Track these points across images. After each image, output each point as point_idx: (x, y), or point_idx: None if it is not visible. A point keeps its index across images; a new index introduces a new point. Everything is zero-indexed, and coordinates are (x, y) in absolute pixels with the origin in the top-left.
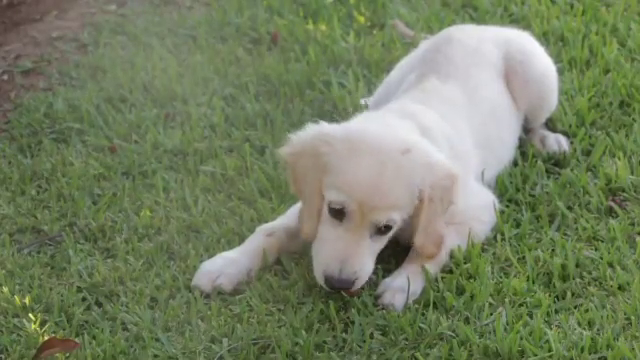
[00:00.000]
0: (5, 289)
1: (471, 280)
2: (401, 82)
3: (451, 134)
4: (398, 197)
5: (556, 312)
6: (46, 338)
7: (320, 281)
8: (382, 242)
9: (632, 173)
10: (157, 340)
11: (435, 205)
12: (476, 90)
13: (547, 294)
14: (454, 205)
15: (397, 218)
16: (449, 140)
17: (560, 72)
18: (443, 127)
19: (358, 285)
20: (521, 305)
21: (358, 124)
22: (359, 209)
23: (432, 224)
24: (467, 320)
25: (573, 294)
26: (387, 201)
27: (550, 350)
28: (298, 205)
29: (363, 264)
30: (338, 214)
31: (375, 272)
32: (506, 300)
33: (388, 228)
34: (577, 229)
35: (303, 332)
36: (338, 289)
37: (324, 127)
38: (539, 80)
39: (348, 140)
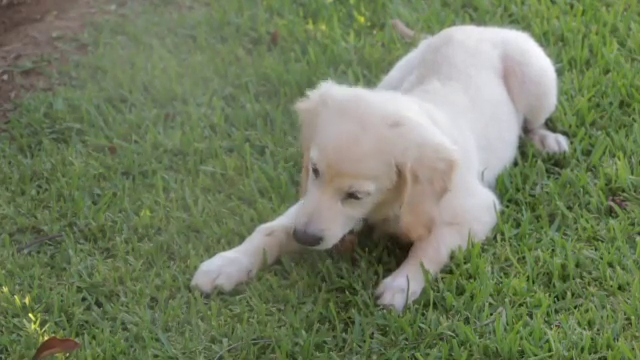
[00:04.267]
0: (5, 289)
1: (471, 280)
2: (401, 82)
3: (455, 134)
4: (369, 167)
5: (556, 312)
6: (46, 338)
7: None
8: (358, 209)
9: (632, 173)
10: (157, 340)
11: (422, 185)
12: (476, 91)
13: (547, 294)
14: (449, 192)
15: (368, 188)
16: (454, 140)
17: (560, 72)
18: (450, 126)
19: (323, 245)
20: (521, 305)
21: (360, 91)
22: (328, 171)
23: (420, 205)
24: (467, 320)
25: (573, 294)
26: (355, 169)
27: (550, 350)
28: (298, 205)
29: (330, 224)
30: (316, 172)
31: (375, 272)
32: (506, 300)
33: (363, 194)
34: (577, 229)
35: (303, 332)
36: (304, 243)
37: (330, 87)
38: (537, 80)
39: (342, 103)
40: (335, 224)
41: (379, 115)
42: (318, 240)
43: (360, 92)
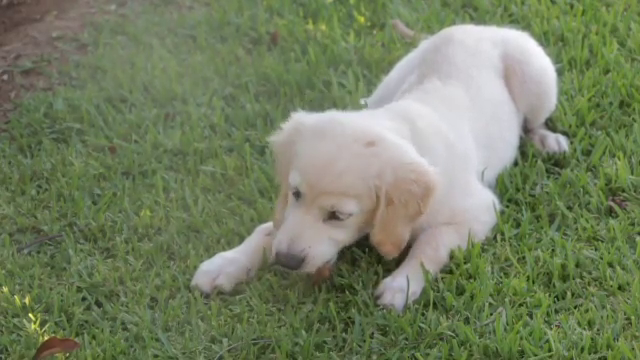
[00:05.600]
0: (5, 289)
1: (471, 280)
2: (401, 82)
3: (449, 134)
4: (349, 186)
5: (556, 312)
6: (46, 338)
7: (274, 259)
8: (343, 230)
9: (632, 173)
10: (157, 340)
11: (395, 207)
12: (477, 90)
13: (547, 294)
14: (423, 215)
15: (351, 207)
16: (446, 141)
17: (560, 72)
18: (441, 128)
19: (307, 267)
20: (521, 305)
21: (333, 113)
22: (310, 192)
23: (392, 226)
24: (467, 320)
25: (573, 294)
26: (335, 187)
27: (550, 350)
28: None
29: (313, 244)
30: (297, 196)
31: (375, 272)
32: (506, 300)
33: (345, 215)
34: (577, 229)
35: (303, 332)
36: (286, 266)
37: (300, 116)
38: (537, 80)
39: (315, 127)
40: (318, 244)
41: (353, 134)
42: (300, 261)
43: (333, 114)
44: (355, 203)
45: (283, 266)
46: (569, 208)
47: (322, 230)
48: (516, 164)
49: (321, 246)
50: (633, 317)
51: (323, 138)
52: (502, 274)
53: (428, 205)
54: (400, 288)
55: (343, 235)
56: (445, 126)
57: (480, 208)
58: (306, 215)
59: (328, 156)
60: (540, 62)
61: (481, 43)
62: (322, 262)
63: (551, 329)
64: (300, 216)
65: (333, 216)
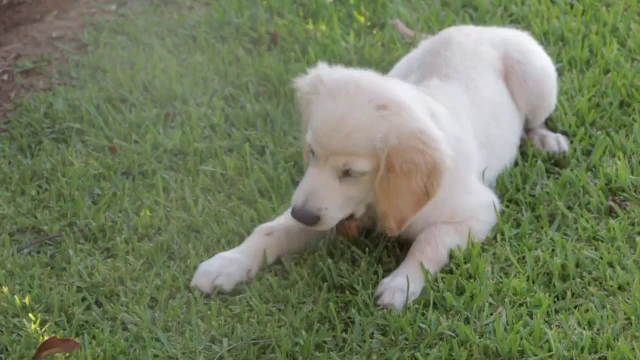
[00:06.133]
0: (5, 289)
1: (471, 280)
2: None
3: (457, 131)
4: (358, 145)
5: (556, 312)
6: (46, 338)
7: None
8: (356, 188)
9: (632, 173)
10: (157, 340)
11: (397, 175)
12: (476, 91)
13: (547, 294)
14: (430, 200)
15: (362, 166)
16: (455, 137)
17: (560, 72)
18: (452, 122)
19: (323, 225)
20: (521, 305)
21: (353, 72)
22: (322, 151)
23: (394, 197)
24: (467, 320)
25: (573, 294)
26: (343, 146)
27: (550, 350)
28: None
29: (329, 202)
30: (312, 154)
31: (375, 272)
32: (506, 300)
33: (358, 173)
34: (577, 229)
35: (303, 332)
36: (302, 221)
37: (322, 71)
38: (538, 79)
39: (332, 85)
40: (333, 202)
41: (366, 95)
42: (316, 218)
43: (352, 74)
44: (367, 161)
45: (299, 221)
46: (569, 208)
47: (337, 189)
48: (516, 164)
49: (336, 205)
50: (633, 317)
51: (337, 98)
52: (502, 274)
53: (436, 188)
54: (400, 287)
55: (358, 192)
56: (454, 122)
57: (481, 207)
58: (321, 174)
59: (338, 116)
60: (540, 62)
61: (480, 45)
62: (336, 221)
63: (551, 329)
64: (316, 174)
65: (347, 174)
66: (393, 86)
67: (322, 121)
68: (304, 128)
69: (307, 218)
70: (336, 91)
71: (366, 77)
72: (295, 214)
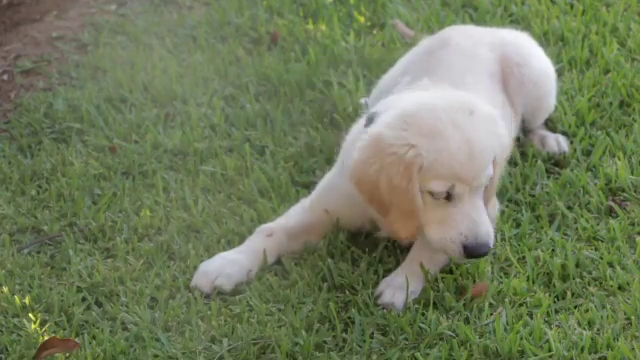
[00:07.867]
0: (5, 289)
1: (471, 280)
2: (395, 82)
3: None
4: (486, 156)
5: (556, 312)
6: (46, 338)
7: (456, 254)
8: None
9: (632, 173)
10: (157, 340)
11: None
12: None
13: (547, 294)
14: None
15: (491, 169)
16: None
17: (560, 72)
18: None
19: (491, 246)
20: (521, 305)
21: (407, 111)
22: (466, 185)
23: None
24: (467, 320)
25: (573, 294)
26: (482, 164)
27: (550, 350)
28: (298, 205)
29: (489, 226)
30: (443, 197)
31: (375, 272)
32: (506, 300)
33: (488, 178)
34: (577, 229)
35: (303, 332)
36: (477, 256)
37: (381, 136)
38: (536, 81)
39: (424, 129)
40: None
41: (458, 112)
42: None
43: (410, 113)
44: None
45: (472, 257)
46: (569, 208)
47: (485, 210)
48: (516, 164)
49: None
50: (633, 317)
51: (443, 134)
52: (502, 274)
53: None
54: (400, 287)
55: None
56: None
57: None
58: (470, 204)
59: (462, 146)
60: (539, 64)
61: (478, 47)
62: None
63: (551, 329)
64: (466, 208)
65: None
66: (442, 94)
67: (452, 161)
68: (406, 192)
69: (484, 248)
70: (434, 130)
71: (426, 103)
72: (471, 251)
